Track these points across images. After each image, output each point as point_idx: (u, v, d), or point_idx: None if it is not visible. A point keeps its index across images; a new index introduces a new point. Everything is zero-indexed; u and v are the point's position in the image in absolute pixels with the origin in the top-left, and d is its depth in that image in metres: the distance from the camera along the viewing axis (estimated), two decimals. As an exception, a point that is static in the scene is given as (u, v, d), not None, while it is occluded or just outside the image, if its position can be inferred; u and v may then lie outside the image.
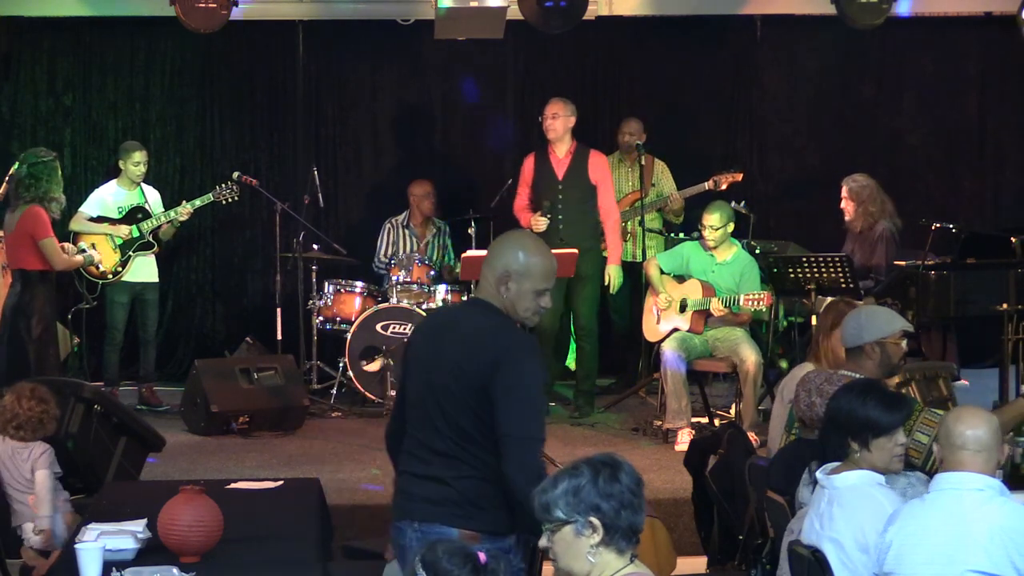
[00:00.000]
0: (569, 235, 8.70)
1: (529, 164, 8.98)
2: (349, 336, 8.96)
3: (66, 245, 8.40)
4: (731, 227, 8.38)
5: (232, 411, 8.42)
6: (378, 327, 8.94)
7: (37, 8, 10.08)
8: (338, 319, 9.21)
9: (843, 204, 8.70)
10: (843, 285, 8.00)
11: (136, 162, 9.22)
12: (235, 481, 5.72)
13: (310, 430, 8.65)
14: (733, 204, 8.60)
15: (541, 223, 8.68)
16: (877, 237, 8.54)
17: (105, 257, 9.07)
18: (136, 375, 9.51)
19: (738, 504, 5.65)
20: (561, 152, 8.86)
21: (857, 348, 5.08)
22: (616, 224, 8.88)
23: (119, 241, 9.16)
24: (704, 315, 8.27)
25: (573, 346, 9.35)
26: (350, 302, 9.24)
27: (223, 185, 9.44)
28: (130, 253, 9.18)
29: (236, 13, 9.09)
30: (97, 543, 4.23)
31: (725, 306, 8.13)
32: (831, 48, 10.52)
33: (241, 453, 8.01)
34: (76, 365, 9.59)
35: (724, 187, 9.33)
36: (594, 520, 3.22)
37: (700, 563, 6.17)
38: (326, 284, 9.32)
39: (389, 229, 9.80)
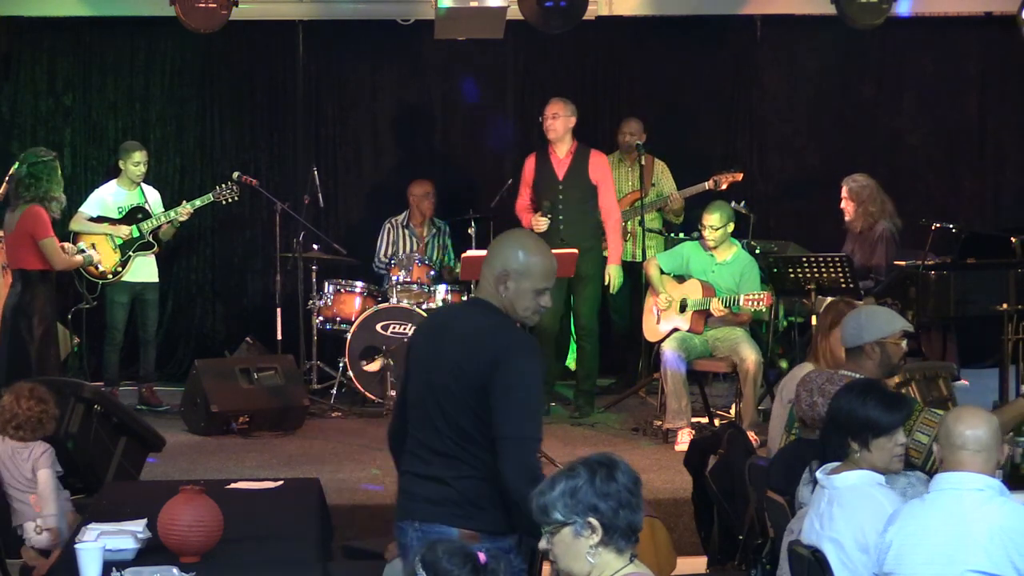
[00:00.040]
0: (570, 235, 8.70)
1: (530, 164, 8.99)
2: (349, 336, 8.96)
3: (66, 245, 8.40)
4: (731, 227, 8.38)
5: (232, 411, 8.42)
6: (378, 327, 8.94)
7: (37, 8, 10.08)
8: (338, 319, 9.21)
9: (843, 204, 8.70)
10: (843, 285, 8.00)
11: (136, 162, 9.22)
12: (235, 481, 5.72)
13: (310, 430, 8.65)
14: (733, 204, 8.60)
15: (542, 223, 8.68)
16: (877, 237, 8.53)
17: (105, 257, 9.07)
18: (136, 375, 9.51)
19: (738, 504, 5.65)
20: (562, 152, 8.86)
21: (857, 348, 5.08)
22: (617, 224, 8.88)
23: (119, 241, 9.16)
24: (704, 315, 8.27)
25: (573, 346, 9.36)
26: (350, 302, 9.24)
27: (223, 185, 9.44)
28: (130, 253, 9.18)
29: (236, 13, 9.09)
30: (97, 543, 4.23)
31: (725, 306, 8.13)
32: (831, 48, 10.52)
33: (241, 453, 8.01)
34: (76, 365, 9.59)
35: (724, 187, 9.33)
36: (592, 520, 3.22)
37: (700, 563, 6.17)
38: (326, 284, 9.32)
39: (389, 229, 9.80)
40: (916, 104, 10.70)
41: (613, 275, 8.80)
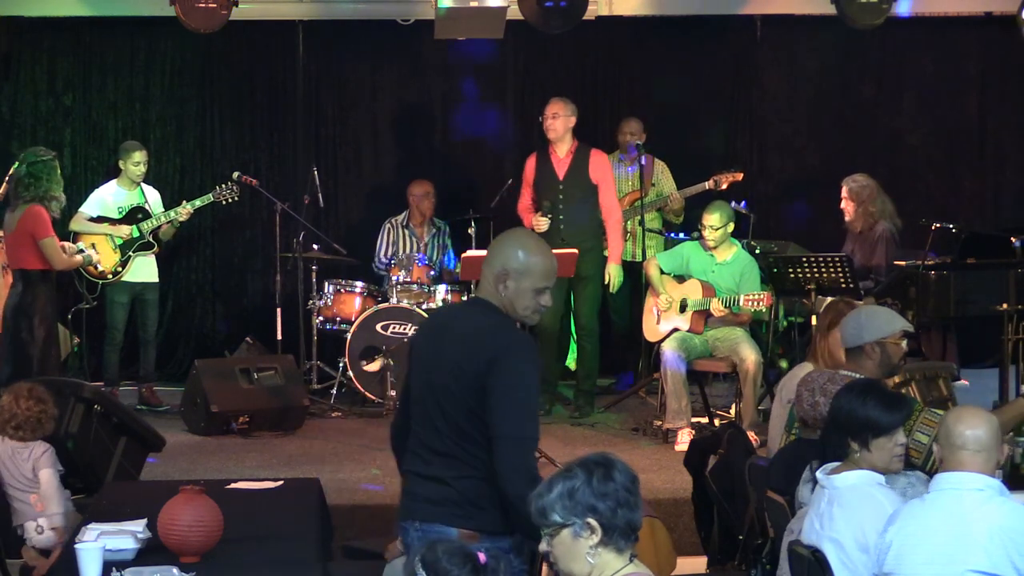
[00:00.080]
0: (570, 235, 8.70)
1: (531, 164, 8.99)
2: (349, 336, 8.96)
3: (66, 244, 8.39)
4: (731, 227, 8.38)
5: (232, 411, 8.42)
6: (378, 327, 8.94)
7: (37, 8, 10.09)
8: (338, 319, 9.21)
9: (843, 204, 8.70)
10: (843, 285, 8.00)
11: (136, 162, 9.22)
12: (235, 481, 5.72)
13: (310, 430, 8.65)
14: (733, 204, 8.60)
15: (542, 223, 8.68)
16: (877, 237, 8.53)
17: (105, 257, 9.07)
18: (136, 375, 9.51)
19: (738, 504, 5.65)
20: (562, 152, 8.86)
21: (857, 348, 5.08)
22: (618, 223, 8.88)
23: (119, 241, 9.16)
24: (704, 315, 8.27)
25: (573, 346, 9.35)
26: (350, 302, 9.24)
27: (223, 185, 9.44)
28: (130, 253, 9.18)
29: (236, 13, 9.09)
30: (97, 543, 4.23)
31: (725, 306, 8.13)
32: (831, 48, 10.52)
33: (241, 453, 8.01)
34: (76, 365, 9.59)
35: (724, 187, 9.34)
36: (591, 521, 3.22)
37: (700, 563, 6.17)
38: (326, 284, 9.32)
39: (389, 229, 9.80)
40: (916, 104, 10.70)
41: (613, 274, 8.80)
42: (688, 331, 8.30)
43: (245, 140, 10.48)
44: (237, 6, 9.04)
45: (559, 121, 8.80)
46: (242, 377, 8.59)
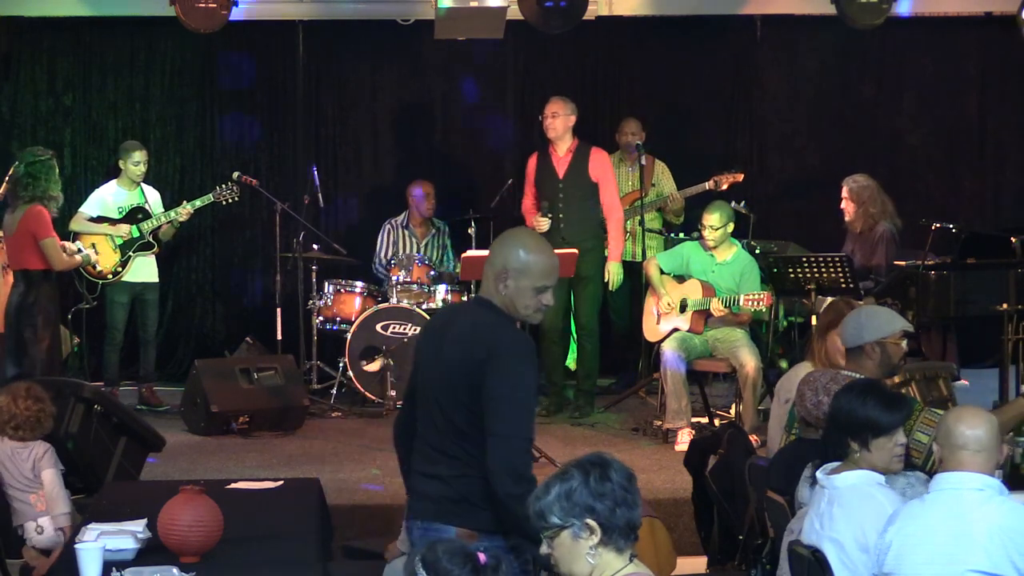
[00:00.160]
0: (570, 234, 8.70)
1: (532, 164, 8.99)
2: (349, 336, 8.96)
3: (66, 244, 8.39)
4: (731, 227, 8.38)
5: (232, 411, 8.42)
6: (378, 327, 8.94)
7: (37, 8, 10.09)
8: (338, 319, 9.21)
9: (843, 204, 8.70)
10: (843, 285, 7.99)
11: (136, 162, 9.22)
12: (235, 481, 5.71)
13: (310, 430, 8.65)
14: (733, 204, 8.60)
15: (543, 224, 8.68)
16: (877, 238, 8.53)
17: (105, 257, 9.07)
18: (136, 375, 9.51)
19: (738, 504, 5.65)
20: (562, 151, 8.86)
21: (857, 348, 5.08)
22: (619, 221, 8.86)
23: (119, 241, 9.16)
24: (704, 315, 8.27)
25: (573, 346, 9.36)
26: (350, 302, 9.24)
27: (223, 185, 9.44)
28: (130, 253, 9.18)
29: (236, 13, 9.09)
30: (97, 543, 4.23)
31: (725, 306, 8.13)
32: (831, 48, 10.52)
33: (241, 453, 8.01)
34: (76, 365, 9.58)
35: (725, 187, 9.34)
36: (590, 522, 3.22)
37: (700, 563, 6.17)
38: (326, 284, 9.32)
39: (389, 230, 9.80)
40: (916, 104, 10.70)
41: (613, 272, 8.79)
42: (688, 331, 8.29)
43: (245, 140, 10.48)
44: (237, 6, 9.05)
45: (559, 120, 8.80)
46: (242, 377, 8.59)
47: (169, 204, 9.45)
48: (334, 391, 9.23)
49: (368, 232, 9.96)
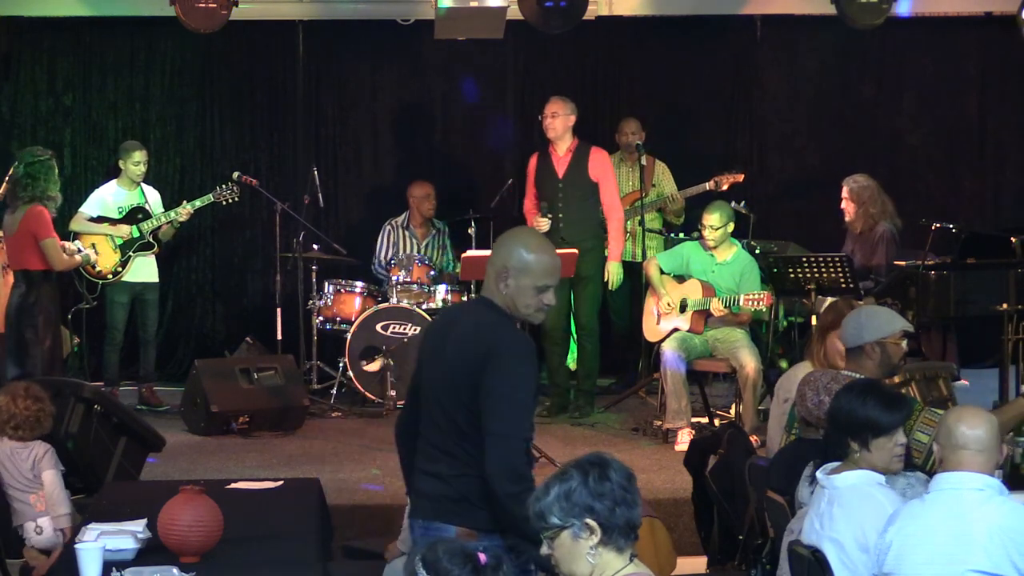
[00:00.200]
0: (570, 234, 8.69)
1: (532, 164, 8.99)
2: (349, 336, 8.96)
3: (66, 244, 8.39)
4: (731, 227, 8.38)
5: (232, 411, 8.42)
6: (378, 327, 8.95)
7: (37, 8, 10.09)
8: (338, 319, 9.21)
9: (843, 204, 8.69)
10: (843, 285, 7.99)
11: (136, 162, 9.22)
12: (235, 481, 5.72)
13: (310, 430, 8.65)
14: (733, 204, 8.60)
15: (543, 224, 8.67)
16: (878, 238, 8.52)
17: (105, 257, 9.07)
18: (136, 375, 9.51)
19: (738, 504, 5.65)
20: (561, 150, 8.86)
21: (857, 348, 5.08)
22: (620, 221, 8.86)
23: (119, 241, 9.16)
24: (704, 315, 8.27)
25: (573, 346, 9.36)
26: (350, 302, 9.24)
27: (223, 186, 9.45)
28: (130, 253, 9.18)
29: (236, 13, 9.08)
30: (97, 543, 4.23)
31: (725, 306, 8.13)
32: (831, 48, 10.52)
33: (241, 453, 8.01)
34: (76, 365, 9.58)
35: (725, 188, 9.34)
36: (590, 522, 3.22)
37: (700, 563, 6.17)
38: (326, 284, 9.32)
39: (389, 231, 9.80)
40: (916, 104, 10.70)
41: (612, 272, 8.79)
42: (688, 331, 8.29)
43: (245, 140, 10.48)
44: (237, 6, 9.04)
45: (558, 120, 8.80)
46: (242, 377, 8.59)
47: (169, 204, 9.45)
48: (334, 391, 9.23)
49: (368, 232, 9.96)
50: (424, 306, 9.00)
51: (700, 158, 10.16)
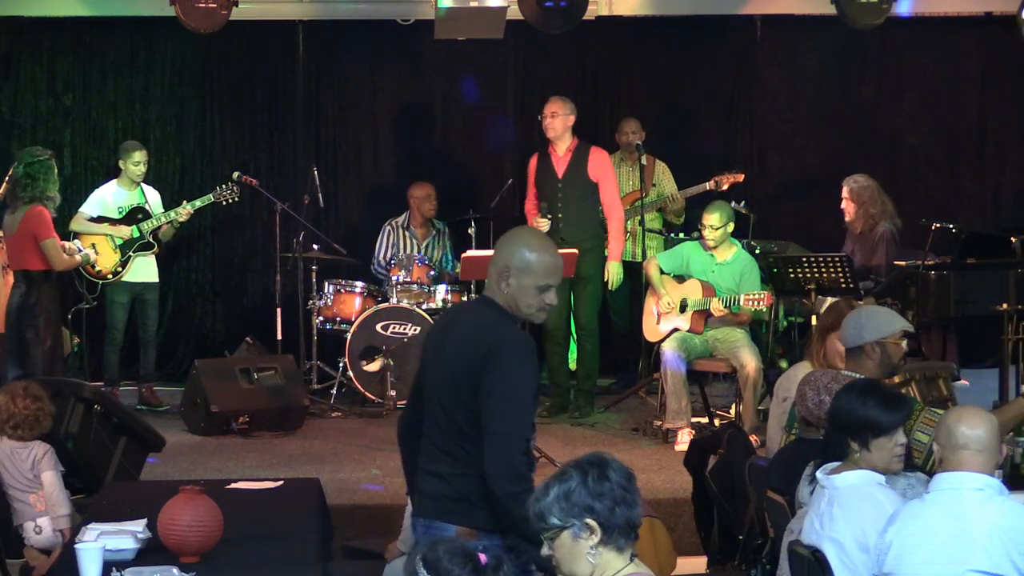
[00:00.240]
0: (570, 234, 8.69)
1: (533, 165, 8.99)
2: (349, 336, 8.96)
3: (66, 244, 8.39)
4: (731, 227, 8.38)
5: (232, 411, 8.42)
6: (378, 327, 8.95)
7: (37, 8, 10.09)
8: (338, 319, 9.21)
9: (844, 205, 8.69)
10: (843, 285, 7.99)
11: (136, 162, 9.22)
12: (235, 481, 5.72)
13: (310, 430, 8.65)
14: (733, 204, 8.60)
15: (543, 225, 8.66)
16: (878, 238, 8.52)
17: (105, 257, 9.07)
18: (136, 375, 9.51)
19: (738, 504, 5.65)
20: (561, 150, 8.86)
21: (857, 348, 5.08)
22: (620, 221, 8.85)
23: (119, 241, 9.16)
24: (704, 315, 8.27)
25: (573, 346, 9.36)
26: (350, 302, 9.24)
27: (223, 186, 9.45)
28: (130, 253, 9.18)
29: (236, 13, 9.08)
30: (97, 543, 4.23)
31: (725, 306, 8.13)
32: (831, 48, 10.52)
33: (241, 453, 8.01)
34: (76, 365, 9.58)
35: (725, 188, 9.34)
36: (590, 522, 3.22)
37: (700, 563, 6.17)
38: (326, 284, 9.32)
39: (389, 231, 9.79)
40: (916, 104, 10.70)
41: (612, 271, 8.79)
42: (688, 331, 8.29)
43: (245, 140, 10.48)
44: (237, 6, 9.04)
45: (558, 120, 8.80)
46: (242, 377, 8.59)
47: (169, 204, 9.45)
48: (334, 391, 9.23)
49: (368, 232, 9.96)
50: (424, 306, 9.00)
51: (700, 158, 10.16)
